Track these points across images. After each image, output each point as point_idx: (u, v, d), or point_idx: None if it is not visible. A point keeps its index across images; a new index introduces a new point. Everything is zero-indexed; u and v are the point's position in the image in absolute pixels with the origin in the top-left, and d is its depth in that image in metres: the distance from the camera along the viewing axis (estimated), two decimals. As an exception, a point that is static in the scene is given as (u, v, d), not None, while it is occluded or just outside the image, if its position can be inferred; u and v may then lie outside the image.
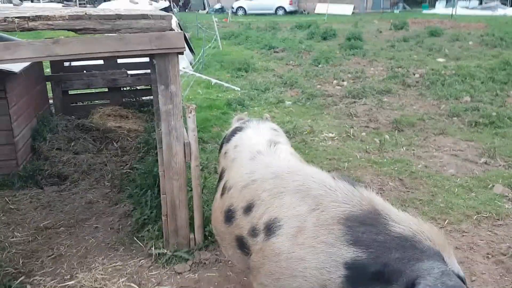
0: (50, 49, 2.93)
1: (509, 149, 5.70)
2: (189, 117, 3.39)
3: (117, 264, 3.56)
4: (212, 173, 4.94)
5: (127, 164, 5.36)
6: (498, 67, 9.87)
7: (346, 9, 30.88)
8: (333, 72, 10.62)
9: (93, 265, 3.56)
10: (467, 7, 28.57)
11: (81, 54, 3.05)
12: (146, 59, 6.13)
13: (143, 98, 7.13)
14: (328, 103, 8.14)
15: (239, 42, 16.56)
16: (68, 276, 3.41)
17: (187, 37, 14.26)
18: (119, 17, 3.10)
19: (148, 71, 6.20)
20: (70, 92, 6.97)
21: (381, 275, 1.68)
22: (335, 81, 9.87)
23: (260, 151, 2.60)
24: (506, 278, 3.27)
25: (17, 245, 3.77)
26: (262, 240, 2.09)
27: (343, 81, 9.90)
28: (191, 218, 3.64)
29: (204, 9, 35.45)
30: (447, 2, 30.32)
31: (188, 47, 13.12)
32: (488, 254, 3.54)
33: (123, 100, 7.07)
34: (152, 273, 3.43)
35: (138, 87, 7.28)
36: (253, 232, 2.17)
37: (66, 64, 6.96)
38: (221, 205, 2.55)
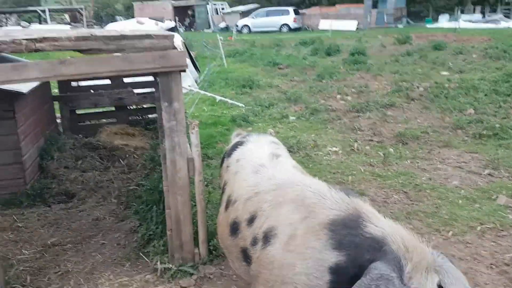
0: (57, 69, 3.02)
1: (513, 160, 5.70)
2: (192, 133, 3.46)
3: (123, 279, 3.59)
4: (217, 188, 4.98)
5: (134, 181, 5.43)
6: (502, 79, 9.87)
7: (350, 25, 31.15)
8: (337, 87, 10.69)
9: (100, 281, 3.59)
10: (470, 21, 28.65)
11: (87, 74, 3.15)
12: (152, 78, 6.25)
13: (149, 116, 7.23)
14: (332, 118, 8.19)
15: (244, 60, 16.74)
16: (75, 292, 3.45)
17: (193, 56, 14.47)
18: (123, 37, 3.20)
19: (154, 89, 6.32)
20: (78, 112, 7.09)
21: (358, 278, 1.67)
22: (339, 96, 9.94)
23: (263, 164, 2.65)
24: (510, 288, 3.27)
25: (25, 262, 3.83)
26: (259, 249, 2.13)
27: (347, 95, 9.97)
28: (196, 233, 3.68)
29: (210, 28, 35.93)
30: (450, 16, 30.50)
31: (194, 66, 13.31)
32: (492, 264, 3.54)
33: (130, 118, 7.19)
34: (157, 288, 3.46)
35: (144, 106, 7.40)
36: (254, 242, 2.21)
37: (74, 84, 7.11)
38: (226, 218, 2.59)
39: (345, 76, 12.36)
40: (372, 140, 6.92)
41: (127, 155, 6.08)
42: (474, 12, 32.20)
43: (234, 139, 3.39)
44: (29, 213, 4.73)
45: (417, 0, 35.48)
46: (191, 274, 3.55)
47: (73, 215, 4.75)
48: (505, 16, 29.72)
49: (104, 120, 7.30)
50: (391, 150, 6.40)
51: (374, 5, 32.52)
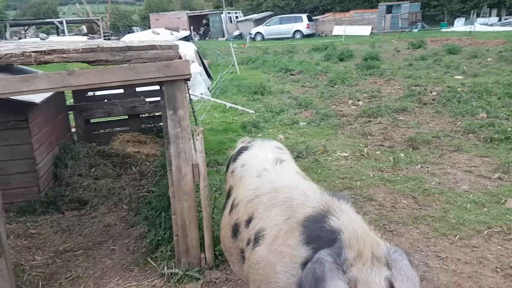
0: (65, 80, 3.14)
1: (525, 164, 5.64)
2: (197, 139, 3.53)
3: (131, 284, 3.67)
4: (225, 194, 5.04)
5: (145, 187, 5.53)
6: (516, 82, 9.79)
7: (364, 30, 31.11)
8: (349, 92, 10.70)
9: (109, 285, 3.67)
10: (486, 24, 28.36)
11: (94, 84, 3.26)
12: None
13: (161, 124, 7.34)
14: (342, 123, 8.21)
15: (256, 67, 16.85)
16: (85, 297, 3.54)
17: (206, 64, 14.63)
18: (129, 48, 3.30)
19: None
20: (92, 121, 7.26)
21: None
22: (350, 101, 9.95)
23: (266, 168, 2.70)
24: (515, 292, 3.25)
25: (37, 268, 3.93)
26: (250, 249, 2.18)
27: (358, 100, 9.97)
28: (202, 238, 3.74)
29: (224, 36, 36.25)
30: (466, 20, 30.20)
31: (206, 74, 13.47)
32: (497, 268, 3.52)
33: (142, 126, 7.32)
34: (164, 292, 3.53)
35: (156, 113, 7.52)
36: (248, 243, 2.25)
37: (90, 94, 7.28)
38: (229, 221, 2.64)
39: (358, 81, 12.37)
40: (382, 145, 6.91)
41: (139, 162, 6.20)
42: (490, 15, 31.83)
43: (239, 145, 3.45)
44: (43, 220, 4.85)
45: (432, 4, 35.25)
46: (197, 279, 3.61)
47: (85, 221, 4.86)
48: (522, 18, 29.32)
49: (117, 129, 7.44)
50: (402, 155, 6.38)
51: (389, 10, 32.42)
